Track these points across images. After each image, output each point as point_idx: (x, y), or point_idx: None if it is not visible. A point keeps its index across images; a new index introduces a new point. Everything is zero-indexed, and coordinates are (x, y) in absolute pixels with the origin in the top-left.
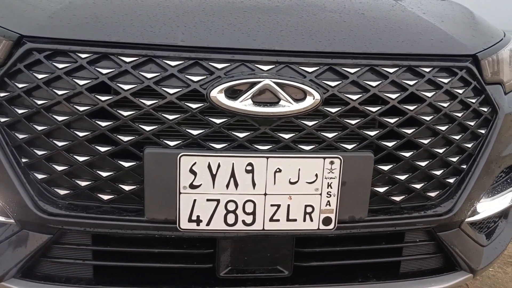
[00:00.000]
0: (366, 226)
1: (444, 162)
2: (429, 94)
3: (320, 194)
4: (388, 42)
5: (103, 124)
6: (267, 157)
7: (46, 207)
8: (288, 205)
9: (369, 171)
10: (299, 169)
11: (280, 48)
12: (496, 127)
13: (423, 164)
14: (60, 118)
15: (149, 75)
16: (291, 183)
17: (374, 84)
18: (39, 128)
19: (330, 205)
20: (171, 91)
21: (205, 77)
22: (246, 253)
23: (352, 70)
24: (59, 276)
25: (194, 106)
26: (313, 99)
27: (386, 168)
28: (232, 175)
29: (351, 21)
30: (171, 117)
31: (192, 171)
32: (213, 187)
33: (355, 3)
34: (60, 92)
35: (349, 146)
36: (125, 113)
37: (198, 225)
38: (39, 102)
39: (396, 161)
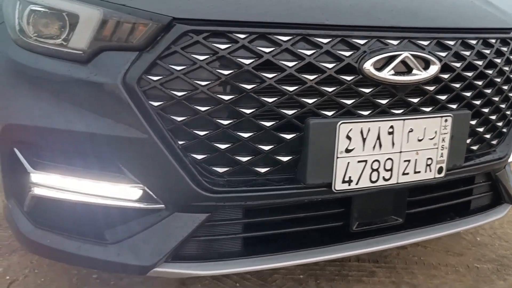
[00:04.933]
0: (461, 172)
1: (503, 115)
2: (498, 60)
3: (437, 148)
4: (469, 18)
5: (270, 100)
6: (404, 120)
7: (209, 186)
8: (416, 160)
9: (467, 126)
10: (425, 128)
11: (404, 25)
12: None
13: (493, 117)
14: (226, 98)
15: (308, 52)
16: (418, 140)
17: (467, 53)
18: (203, 109)
19: (443, 156)
20: (329, 66)
21: (353, 52)
22: (371, 207)
23: (452, 42)
24: (211, 253)
25: (348, 78)
26: (436, 67)
27: (473, 122)
28: (378, 137)
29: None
30: (329, 89)
31: (348, 137)
32: (363, 150)
33: None
34: (225, 72)
35: (453, 106)
36: (290, 88)
37: (349, 185)
38: (202, 83)
39: (479, 116)
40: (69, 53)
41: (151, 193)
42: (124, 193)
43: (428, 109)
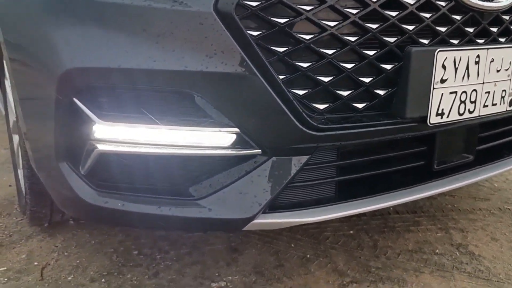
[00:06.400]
0: None
1: None
2: None
3: (510, 79)
4: None
5: (374, 26)
6: (488, 49)
7: (315, 124)
8: (494, 92)
9: None
10: (503, 58)
11: None
12: None
13: None
14: (331, 24)
15: None
16: (497, 71)
17: None
18: (307, 37)
19: None
20: None
21: None
22: (449, 145)
23: None
24: (308, 200)
25: (443, 4)
26: None
27: None
28: (467, 67)
29: None
30: (427, 15)
31: (443, 66)
32: (454, 80)
33: None
34: None
35: None
36: (393, 14)
37: (441, 118)
38: (306, 7)
39: None
40: None
41: (246, 137)
42: (213, 139)
43: (503, 40)
